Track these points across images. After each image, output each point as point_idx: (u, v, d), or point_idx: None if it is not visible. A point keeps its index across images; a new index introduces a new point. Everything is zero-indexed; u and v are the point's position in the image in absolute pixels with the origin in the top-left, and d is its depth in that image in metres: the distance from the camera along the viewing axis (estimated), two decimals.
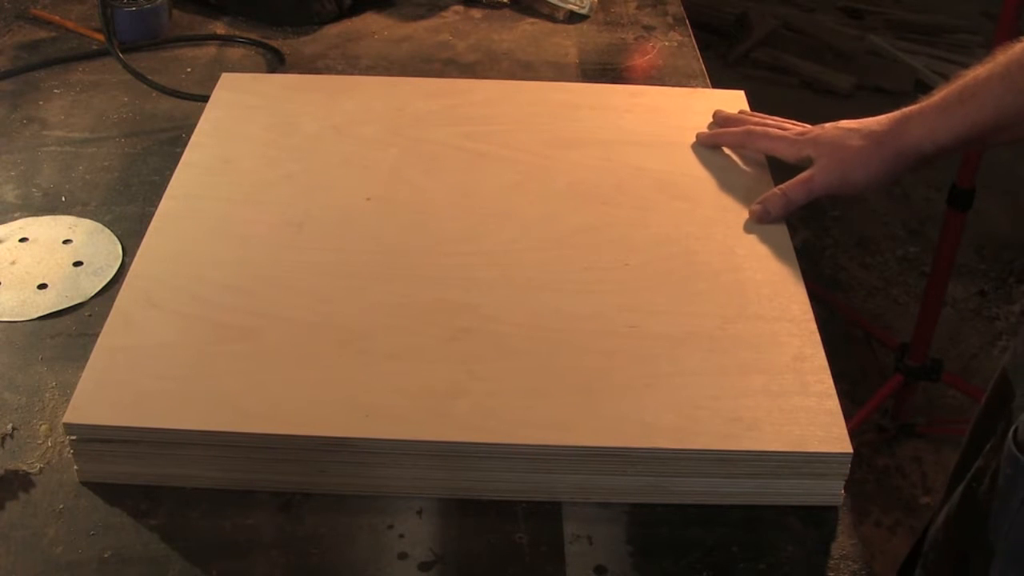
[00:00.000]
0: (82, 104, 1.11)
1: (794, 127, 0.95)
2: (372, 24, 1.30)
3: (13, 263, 0.89)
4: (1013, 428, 0.74)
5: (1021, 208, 2.58)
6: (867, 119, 0.89)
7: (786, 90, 2.93)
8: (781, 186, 0.90)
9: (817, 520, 0.70)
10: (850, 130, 0.88)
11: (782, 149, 0.93)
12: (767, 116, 0.98)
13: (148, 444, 0.69)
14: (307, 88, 1.05)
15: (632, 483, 0.70)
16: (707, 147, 0.98)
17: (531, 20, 1.31)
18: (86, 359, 0.73)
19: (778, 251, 0.85)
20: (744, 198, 0.91)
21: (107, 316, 0.77)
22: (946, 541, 0.84)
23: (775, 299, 0.80)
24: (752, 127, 0.96)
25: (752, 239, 0.87)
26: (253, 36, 1.25)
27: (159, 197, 0.89)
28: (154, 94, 1.12)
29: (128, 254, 0.89)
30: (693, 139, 0.99)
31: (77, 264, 0.89)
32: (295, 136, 0.97)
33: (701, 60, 1.23)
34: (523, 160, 0.95)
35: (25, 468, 0.72)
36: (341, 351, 0.75)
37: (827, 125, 0.91)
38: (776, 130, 0.94)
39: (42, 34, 1.24)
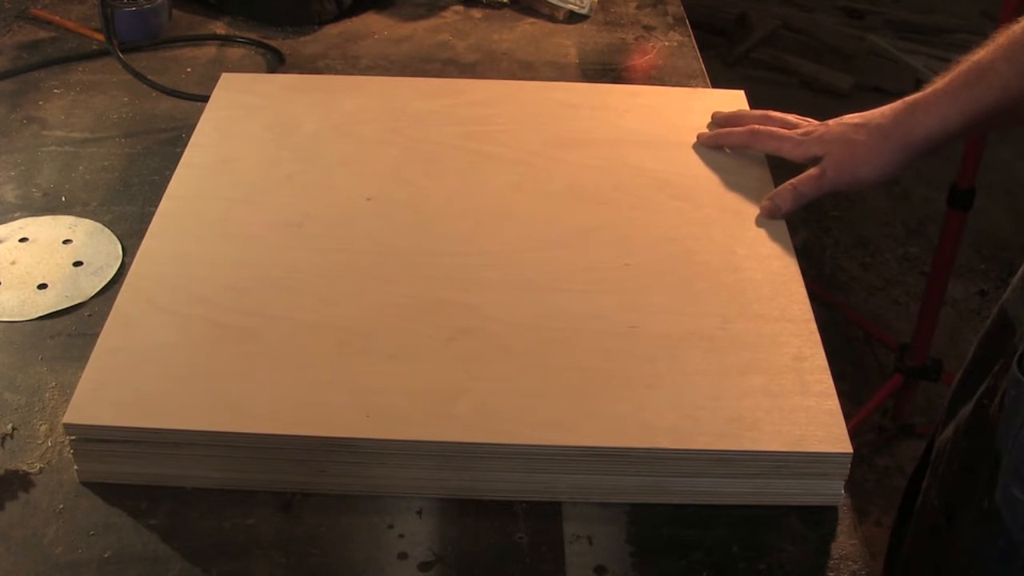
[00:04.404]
0: (82, 104, 1.11)
1: (796, 123, 0.95)
2: (372, 24, 1.30)
3: (13, 263, 0.89)
4: (1018, 354, 0.75)
5: (1021, 208, 2.58)
6: (871, 112, 0.89)
7: (786, 90, 2.93)
8: (791, 181, 0.90)
9: (817, 520, 0.70)
10: (856, 125, 0.89)
11: (788, 149, 0.92)
12: (768, 112, 0.98)
13: (148, 444, 0.69)
14: (307, 88, 1.05)
15: (632, 483, 0.70)
16: (709, 147, 0.98)
17: (531, 20, 1.31)
18: (86, 359, 0.73)
19: (778, 251, 0.85)
20: (744, 198, 0.91)
21: (107, 316, 0.77)
22: (955, 451, 0.85)
23: (775, 299, 0.80)
24: (756, 127, 0.95)
25: (752, 239, 0.87)
26: (253, 36, 1.25)
27: (159, 197, 0.89)
28: (154, 94, 1.12)
29: (128, 254, 0.89)
30: (693, 139, 0.98)
31: (77, 264, 0.89)
32: (295, 136, 0.97)
33: (701, 60, 1.23)
34: (523, 160, 0.95)
35: (25, 468, 0.72)
36: (341, 351, 0.75)
37: (831, 122, 0.91)
38: (781, 130, 0.94)
39: (42, 34, 1.24)
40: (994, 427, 0.78)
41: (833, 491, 0.71)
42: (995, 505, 0.75)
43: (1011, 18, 0.85)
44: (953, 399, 0.91)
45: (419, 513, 0.70)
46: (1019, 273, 0.86)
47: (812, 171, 0.89)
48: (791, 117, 0.96)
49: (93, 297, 0.86)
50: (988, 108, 0.81)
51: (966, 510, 0.82)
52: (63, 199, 0.97)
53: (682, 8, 1.36)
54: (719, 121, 1.00)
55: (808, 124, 0.94)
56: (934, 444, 0.92)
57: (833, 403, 0.72)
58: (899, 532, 0.98)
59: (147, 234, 0.85)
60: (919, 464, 0.96)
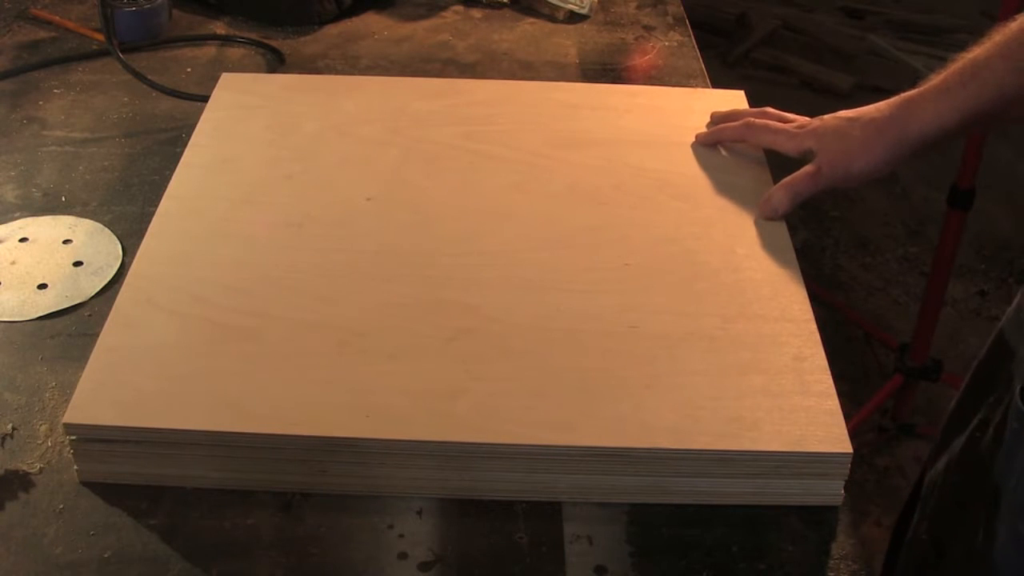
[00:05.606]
0: (82, 104, 1.11)
1: (792, 119, 0.94)
2: (372, 24, 1.30)
3: (13, 263, 0.89)
4: (1021, 386, 0.74)
5: (1021, 208, 2.58)
6: (866, 108, 0.88)
7: (786, 90, 2.93)
8: (786, 180, 0.89)
9: (817, 520, 0.70)
10: (850, 120, 0.88)
11: (783, 142, 0.92)
12: (765, 109, 0.98)
13: (148, 444, 0.70)
14: (307, 88, 1.05)
15: (632, 483, 0.70)
16: (707, 146, 0.98)
17: (531, 20, 1.31)
18: (86, 359, 0.73)
19: (778, 251, 0.85)
20: (744, 198, 0.91)
21: (107, 316, 0.77)
22: (946, 487, 0.84)
23: (775, 299, 0.80)
24: (751, 120, 0.95)
25: (752, 239, 0.87)
26: (253, 36, 1.25)
27: (159, 197, 0.89)
28: (154, 94, 1.12)
29: (128, 254, 0.89)
30: (693, 139, 0.99)
31: (77, 264, 0.89)
32: (295, 136, 0.97)
33: (701, 60, 1.23)
34: (523, 160, 0.95)
35: (25, 468, 0.72)
36: (341, 351, 0.75)
37: (826, 116, 0.91)
38: (776, 123, 0.94)
39: (42, 34, 1.24)
40: (988, 461, 0.77)
41: (833, 491, 0.71)
42: (993, 541, 0.74)
43: (1010, 18, 0.85)
44: (947, 428, 0.90)
45: (419, 513, 0.70)
46: (1016, 300, 0.85)
47: (807, 168, 0.89)
48: (788, 115, 0.96)
49: (93, 297, 0.86)
50: (984, 105, 0.81)
51: (957, 547, 0.80)
52: (63, 199, 0.97)
53: (682, 8, 1.36)
54: (716, 120, 1.00)
55: (804, 119, 0.94)
56: (925, 477, 0.90)
57: (833, 403, 0.72)
58: (891, 561, 0.97)
59: (147, 234, 0.85)
60: (911, 495, 0.95)
